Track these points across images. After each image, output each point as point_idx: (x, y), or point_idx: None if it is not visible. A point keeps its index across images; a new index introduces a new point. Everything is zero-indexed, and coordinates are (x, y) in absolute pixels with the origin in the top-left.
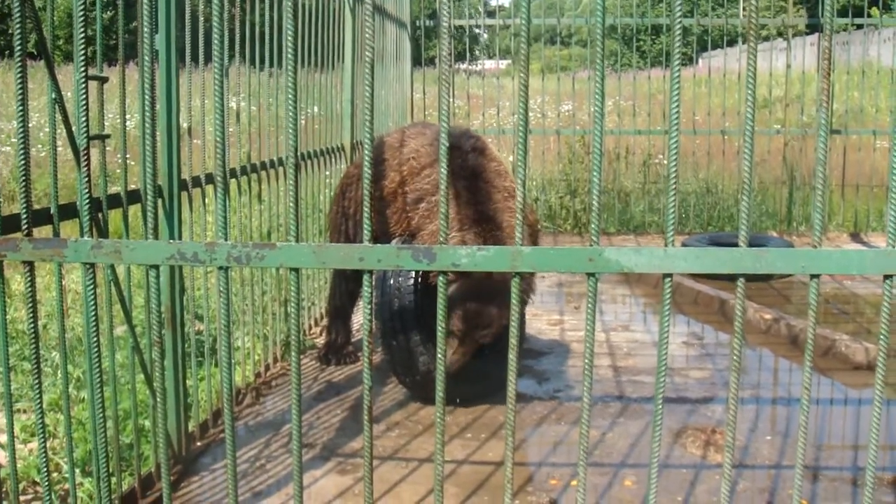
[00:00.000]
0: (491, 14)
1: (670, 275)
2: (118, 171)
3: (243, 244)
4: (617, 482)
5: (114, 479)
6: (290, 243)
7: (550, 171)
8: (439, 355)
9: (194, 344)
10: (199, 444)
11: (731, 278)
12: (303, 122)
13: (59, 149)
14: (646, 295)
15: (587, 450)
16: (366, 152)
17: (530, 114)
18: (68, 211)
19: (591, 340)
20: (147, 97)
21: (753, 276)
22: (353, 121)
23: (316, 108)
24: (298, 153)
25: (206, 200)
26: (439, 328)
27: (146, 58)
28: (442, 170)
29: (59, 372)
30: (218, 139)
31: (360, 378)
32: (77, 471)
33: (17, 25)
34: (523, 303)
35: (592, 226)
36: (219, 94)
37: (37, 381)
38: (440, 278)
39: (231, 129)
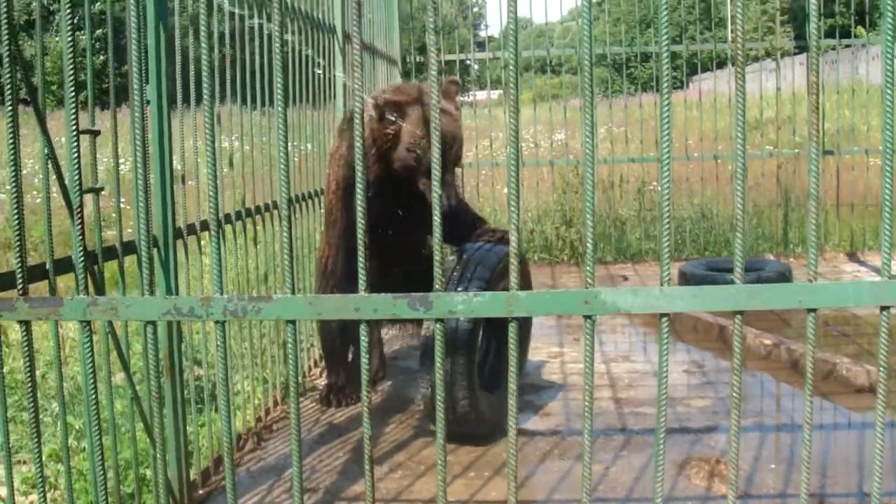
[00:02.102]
0: (481, 46)
1: (668, 315)
2: (114, 214)
3: (239, 297)
4: None
5: None
6: (286, 295)
7: (545, 201)
8: (438, 400)
9: (193, 391)
10: (200, 492)
11: None
12: (297, 160)
13: (54, 195)
14: (645, 324)
15: (590, 486)
16: (359, 193)
17: (523, 144)
18: (64, 265)
19: (591, 381)
20: (139, 149)
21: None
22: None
23: (309, 146)
24: (291, 198)
25: (203, 244)
26: (437, 373)
27: (136, 109)
28: (434, 197)
29: (58, 423)
30: (211, 192)
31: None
32: None
33: (7, 77)
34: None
35: (587, 268)
36: (210, 141)
37: (35, 432)
38: (437, 325)
39: (225, 171)
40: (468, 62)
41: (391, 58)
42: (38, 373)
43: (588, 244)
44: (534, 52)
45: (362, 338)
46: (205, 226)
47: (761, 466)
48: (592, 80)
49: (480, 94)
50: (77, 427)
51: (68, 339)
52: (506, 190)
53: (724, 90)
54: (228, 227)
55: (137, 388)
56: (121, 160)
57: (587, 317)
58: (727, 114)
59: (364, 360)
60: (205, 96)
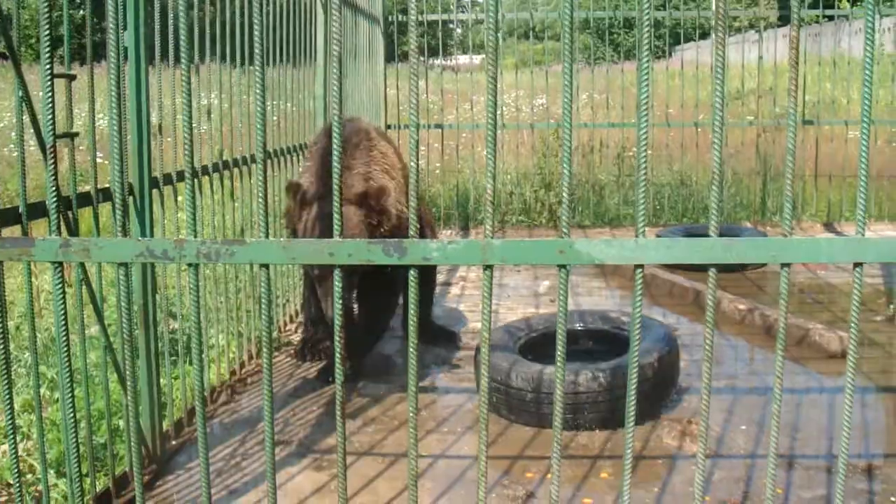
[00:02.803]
0: (464, 9)
1: (641, 266)
2: (89, 170)
3: (212, 241)
4: (593, 474)
5: (87, 480)
6: (260, 240)
7: (525, 165)
8: (411, 347)
9: (168, 342)
10: (174, 442)
11: (705, 270)
12: (275, 119)
13: (32, 148)
14: (621, 287)
15: (561, 442)
16: (335, 144)
17: (504, 108)
18: (38, 210)
19: (563, 332)
20: (114, 94)
21: (727, 266)
22: (327, 115)
23: (288, 105)
24: (267, 150)
25: (178, 199)
26: (410, 321)
27: (113, 54)
28: (413, 164)
29: (31, 373)
30: (186, 133)
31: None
32: (51, 472)
33: None
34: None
35: (563, 217)
36: (186, 84)
37: (6, 381)
38: (410, 272)
39: (203, 128)
40: (451, 24)
41: (373, 16)
42: (11, 324)
43: (564, 194)
44: (517, 15)
45: (336, 284)
46: (181, 176)
47: (732, 427)
48: (573, 36)
49: (462, 58)
50: (50, 377)
51: (42, 292)
52: (486, 152)
53: (706, 60)
54: (206, 180)
55: (111, 339)
56: (98, 115)
57: (561, 266)
58: (709, 83)
59: (337, 306)
60: (182, 40)
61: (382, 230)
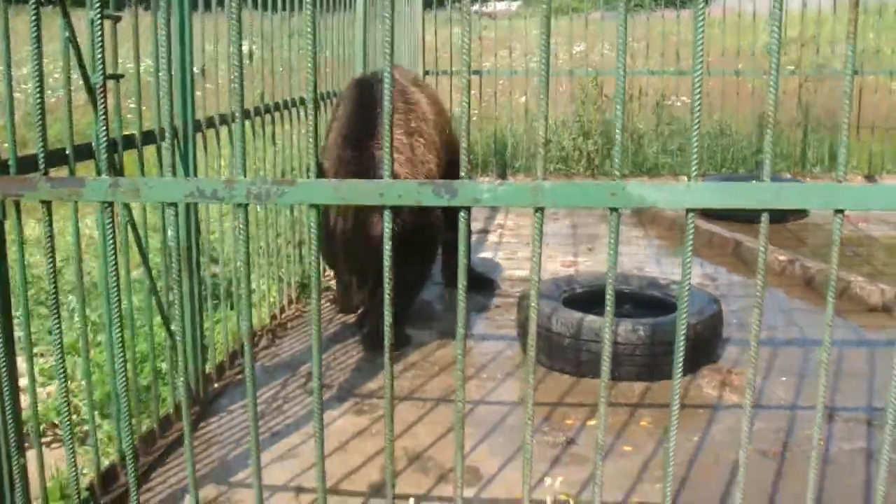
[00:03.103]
0: None
1: (693, 210)
2: (129, 116)
3: (262, 180)
4: (633, 422)
5: (133, 421)
6: (311, 180)
7: (563, 112)
8: (460, 292)
9: (210, 286)
10: (216, 385)
11: (746, 220)
12: (322, 65)
13: (72, 93)
14: (659, 237)
15: (608, 387)
16: (386, 88)
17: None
18: (83, 152)
19: (614, 275)
20: (163, 35)
21: (771, 214)
22: (366, 64)
23: (328, 52)
24: (317, 91)
25: (220, 143)
26: (461, 264)
27: None
28: (465, 106)
29: (75, 316)
30: (235, 74)
31: None
32: (95, 413)
33: None
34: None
35: (616, 160)
36: (236, 23)
37: (56, 322)
38: (461, 214)
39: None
40: None
41: None
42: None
43: (617, 138)
44: None
45: (386, 224)
46: (223, 120)
47: (772, 379)
48: None
49: (500, 5)
50: (93, 319)
51: (84, 237)
52: (523, 99)
53: (746, 8)
54: (248, 125)
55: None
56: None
57: (613, 209)
58: (749, 32)
59: (387, 247)
60: None
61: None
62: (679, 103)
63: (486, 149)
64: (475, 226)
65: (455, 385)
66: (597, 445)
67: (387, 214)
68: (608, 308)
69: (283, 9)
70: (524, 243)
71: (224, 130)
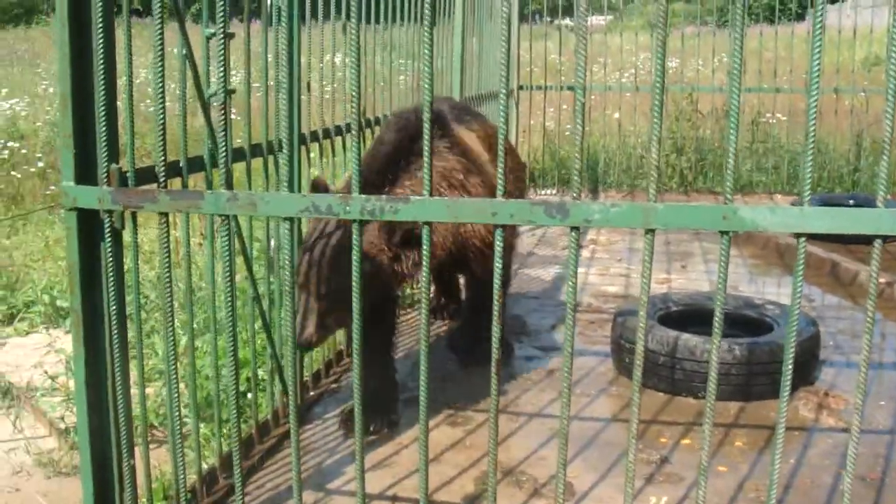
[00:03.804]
0: None
1: (804, 235)
2: (223, 128)
3: (377, 198)
4: (727, 442)
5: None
6: (424, 197)
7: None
8: (569, 309)
9: None
10: (311, 393)
11: (846, 241)
12: (402, 79)
13: (168, 104)
14: (753, 256)
15: (713, 408)
16: (500, 107)
17: (633, 70)
18: (194, 164)
19: (723, 298)
20: (285, 50)
21: (864, 238)
22: (463, 76)
23: (418, 64)
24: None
25: (311, 155)
26: (570, 282)
27: (284, 12)
28: (578, 128)
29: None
30: (353, 89)
31: None
32: (191, 417)
33: None
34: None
35: (727, 184)
36: (355, 41)
37: (171, 329)
38: (571, 234)
39: (335, 86)
40: None
41: None
42: (152, 273)
43: (729, 161)
44: None
45: (497, 242)
46: (326, 133)
47: (872, 403)
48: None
49: (591, 19)
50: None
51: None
52: (616, 115)
53: (845, 24)
54: (339, 140)
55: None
56: (233, 71)
57: (724, 233)
58: (845, 48)
59: (498, 264)
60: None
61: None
62: (773, 120)
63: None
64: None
65: (561, 401)
66: (701, 467)
67: (498, 233)
68: (715, 330)
69: (377, 21)
70: (616, 259)
71: (326, 144)
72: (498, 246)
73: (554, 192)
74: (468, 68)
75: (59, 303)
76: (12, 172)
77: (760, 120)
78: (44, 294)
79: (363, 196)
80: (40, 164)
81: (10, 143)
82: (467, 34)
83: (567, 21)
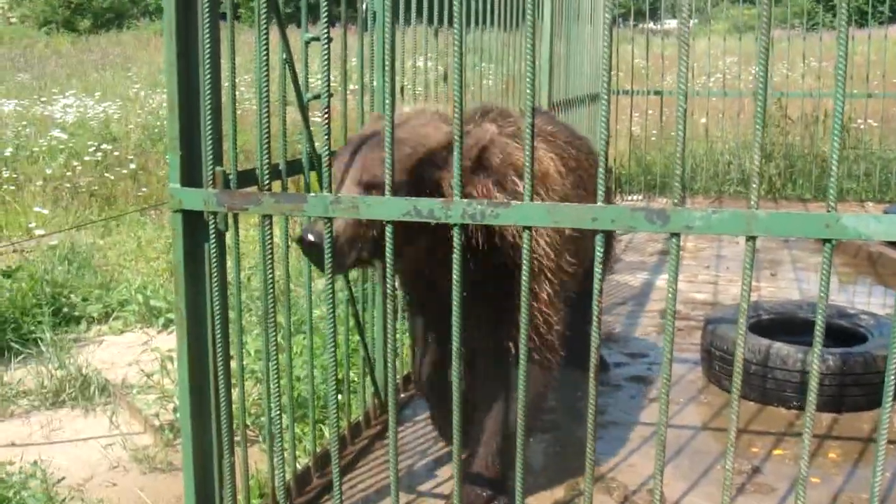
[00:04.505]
0: None
1: None
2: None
3: (478, 202)
4: (821, 453)
5: (323, 426)
6: (525, 202)
7: (744, 134)
8: (669, 318)
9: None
10: (402, 395)
11: None
12: (488, 83)
13: (252, 106)
14: (844, 264)
15: (813, 419)
16: (602, 112)
17: (719, 75)
18: (292, 168)
19: (824, 308)
20: (387, 55)
21: None
22: (552, 80)
23: (516, 67)
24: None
25: None
26: (669, 291)
27: (387, 16)
28: (680, 138)
29: (263, 323)
30: (456, 94)
31: None
32: (285, 416)
33: None
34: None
35: (830, 192)
36: (458, 46)
37: (270, 325)
38: (672, 240)
39: (419, 90)
40: None
41: None
42: (242, 275)
43: (832, 167)
44: None
45: (598, 249)
46: None
47: None
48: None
49: (672, 22)
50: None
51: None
52: (703, 120)
53: None
54: None
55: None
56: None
57: (826, 241)
58: None
59: (598, 270)
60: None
61: None
62: (864, 126)
63: (664, 169)
64: (656, 246)
65: (659, 408)
66: (800, 477)
67: (599, 238)
68: (816, 340)
69: (467, 25)
70: (704, 266)
71: None
72: (599, 251)
73: (640, 197)
74: (556, 72)
75: (152, 302)
76: (106, 174)
77: (851, 125)
78: (137, 294)
79: (465, 200)
80: (132, 166)
81: (103, 146)
82: (555, 37)
83: (651, 24)
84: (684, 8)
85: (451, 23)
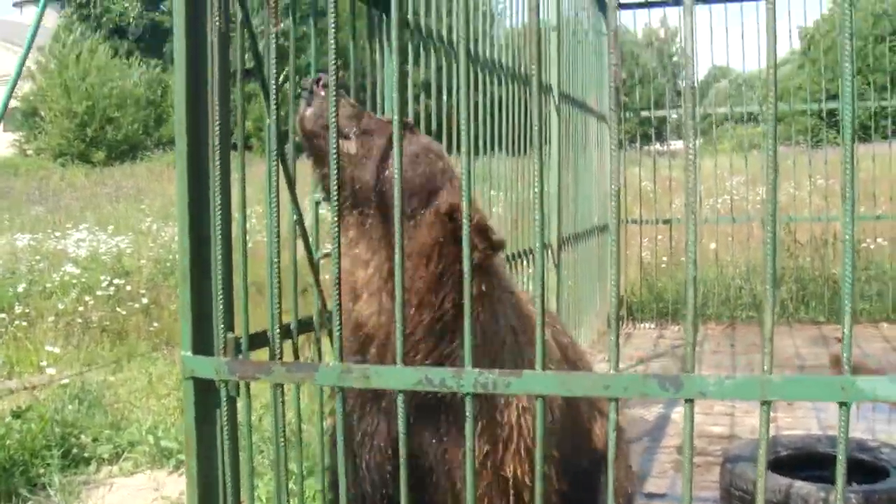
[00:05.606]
0: (679, 94)
1: None
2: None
3: (489, 371)
4: None
5: None
6: (536, 372)
7: (754, 257)
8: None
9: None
10: None
11: None
12: (496, 210)
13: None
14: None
15: None
16: (611, 242)
17: (726, 196)
18: (302, 326)
19: (844, 471)
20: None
21: None
22: (560, 213)
23: (510, 195)
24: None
25: None
26: (686, 454)
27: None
28: (690, 273)
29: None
30: (466, 230)
31: None
32: None
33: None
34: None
35: (844, 354)
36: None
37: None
38: (685, 406)
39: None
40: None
41: (602, 115)
42: (254, 416)
43: (845, 329)
44: (745, 107)
45: (611, 415)
46: None
47: None
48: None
49: (678, 143)
50: (295, 471)
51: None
52: (713, 245)
53: None
54: None
55: None
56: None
57: (842, 403)
58: None
59: (612, 437)
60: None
61: None
62: (873, 246)
63: (675, 295)
64: None
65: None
66: None
67: (613, 406)
68: (838, 494)
69: (476, 154)
70: None
71: None
72: (613, 417)
73: (652, 325)
74: (564, 206)
75: (163, 443)
76: (117, 308)
77: (861, 245)
78: (148, 434)
79: (476, 370)
80: (144, 301)
81: (115, 280)
82: (563, 167)
83: (657, 146)
84: (691, 153)
85: (458, 149)
